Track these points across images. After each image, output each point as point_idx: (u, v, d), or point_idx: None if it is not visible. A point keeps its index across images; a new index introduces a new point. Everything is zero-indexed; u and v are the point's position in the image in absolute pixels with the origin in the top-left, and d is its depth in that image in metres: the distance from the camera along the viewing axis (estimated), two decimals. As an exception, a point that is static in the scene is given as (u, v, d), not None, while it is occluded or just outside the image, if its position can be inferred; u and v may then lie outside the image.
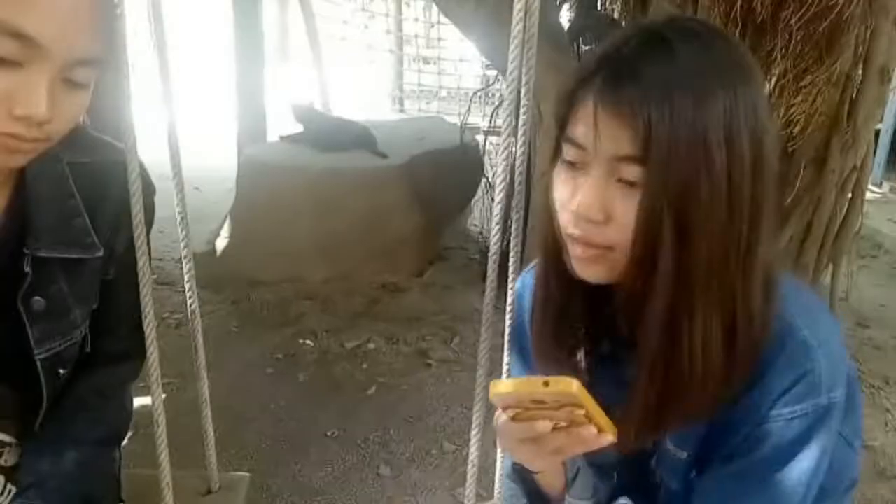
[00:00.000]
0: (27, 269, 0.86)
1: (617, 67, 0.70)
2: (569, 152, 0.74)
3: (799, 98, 2.27)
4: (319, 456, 2.29)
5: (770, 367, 0.75)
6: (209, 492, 1.26)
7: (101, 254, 0.93)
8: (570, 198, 0.74)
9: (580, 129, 0.72)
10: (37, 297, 0.88)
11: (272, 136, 4.65)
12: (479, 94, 4.68)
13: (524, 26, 0.84)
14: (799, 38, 2.11)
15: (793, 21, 2.08)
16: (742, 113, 0.69)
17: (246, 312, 3.25)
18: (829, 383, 0.74)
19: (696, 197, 0.68)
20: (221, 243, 3.62)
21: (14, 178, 0.87)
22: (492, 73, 5.96)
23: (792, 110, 2.30)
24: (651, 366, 0.76)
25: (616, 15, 3.68)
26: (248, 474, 1.35)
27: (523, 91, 0.88)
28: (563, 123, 0.75)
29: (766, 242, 0.74)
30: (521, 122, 0.89)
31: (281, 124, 4.52)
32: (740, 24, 2.17)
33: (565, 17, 3.71)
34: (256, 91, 4.78)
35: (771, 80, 2.32)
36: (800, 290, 0.81)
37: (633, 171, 0.69)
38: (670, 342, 0.74)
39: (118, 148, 0.92)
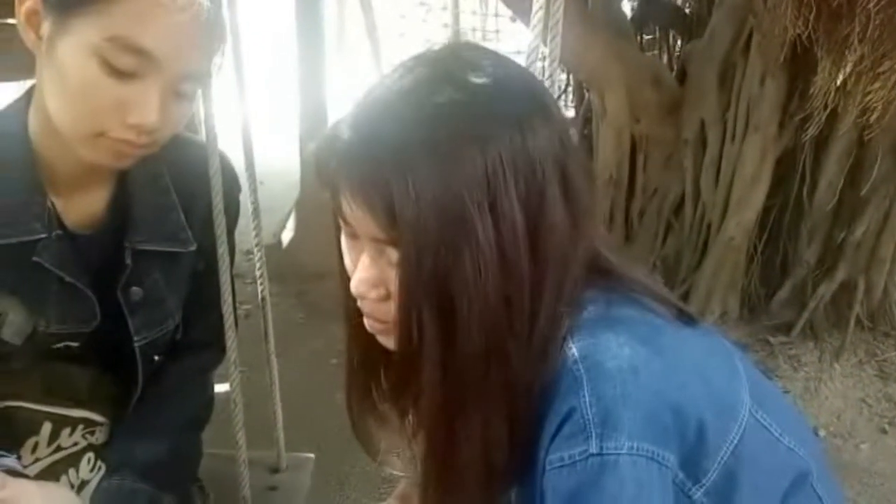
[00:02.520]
0: (128, 261, 0.91)
1: (354, 135, 0.61)
2: (342, 224, 0.66)
3: (877, 84, 2.18)
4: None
5: (550, 408, 0.63)
6: (277, 471, 1.31)
7: (193, 248, 0.97)
8: (352, 270, 0.67)
9: (344, 202, 0.63)
10: (135, 288, 0.92)
11: (333, 130, 4.70)
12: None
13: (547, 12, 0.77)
14: (877, 22, 2.04)
15: (870, 5, 2.01)
16: (511, 171, 0.58)
17: (311, 304, 3.31)
18: (601, 428, 0.58)
19: (459, 279, 0.58)
20: (287, 236, 3.70)
21: (116, 176, 0.92)
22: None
23: (869, 97, 2.22)
24: (425, 462, 0.68)
25: (679, 2, 3.62)
26: (312, 455, 1.39)
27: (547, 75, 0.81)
28: (333, 190, 0.65)
29: (555, 314, 0.63)
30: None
31: (342, 118, 4.57)
32: (814, 10, 2.11)
33: (628, 5, 3.66)
34: (318, 85, 4.83)
35: (846, 66, 2.25)
36: (612, 314, 0.66)
37: (394, 254, 0.61)
38: (443, 441, 0.65)
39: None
